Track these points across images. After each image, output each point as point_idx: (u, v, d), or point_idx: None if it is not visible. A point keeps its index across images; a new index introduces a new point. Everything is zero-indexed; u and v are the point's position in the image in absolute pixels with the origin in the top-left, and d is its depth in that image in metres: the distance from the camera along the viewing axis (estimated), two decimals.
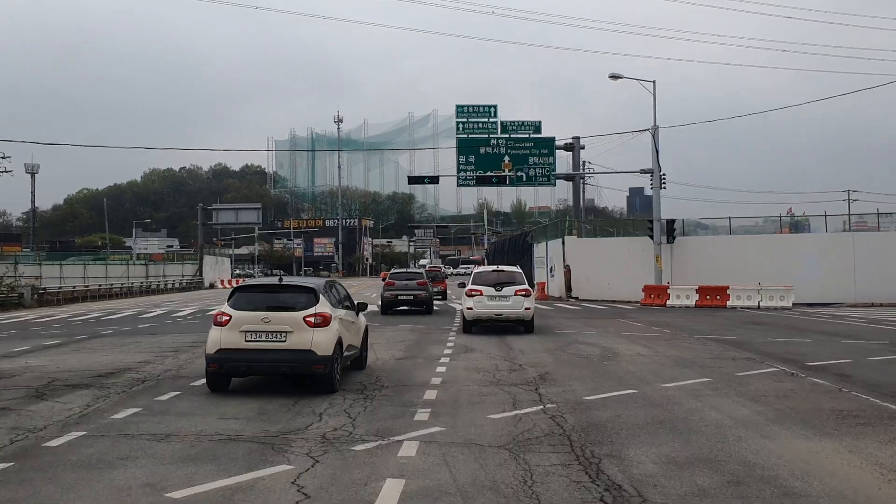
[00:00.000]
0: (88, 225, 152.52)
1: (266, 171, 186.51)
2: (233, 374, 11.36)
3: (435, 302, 32.65)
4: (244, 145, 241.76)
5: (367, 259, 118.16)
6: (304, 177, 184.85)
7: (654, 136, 36.17)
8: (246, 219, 68.15)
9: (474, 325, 21.18)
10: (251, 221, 68.82)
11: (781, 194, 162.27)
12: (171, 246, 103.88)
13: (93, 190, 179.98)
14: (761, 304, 32.61)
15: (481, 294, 20.71)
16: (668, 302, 34.09)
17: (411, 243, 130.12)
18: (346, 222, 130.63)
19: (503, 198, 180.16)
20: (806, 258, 34.99)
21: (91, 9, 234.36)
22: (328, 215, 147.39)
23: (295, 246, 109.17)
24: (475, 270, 23.87)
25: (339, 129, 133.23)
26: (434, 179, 37.82)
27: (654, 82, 36.04)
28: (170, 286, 64.90)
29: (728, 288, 33.38)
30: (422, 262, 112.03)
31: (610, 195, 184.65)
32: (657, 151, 36.18)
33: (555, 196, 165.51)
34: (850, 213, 51.29)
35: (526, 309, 20.68)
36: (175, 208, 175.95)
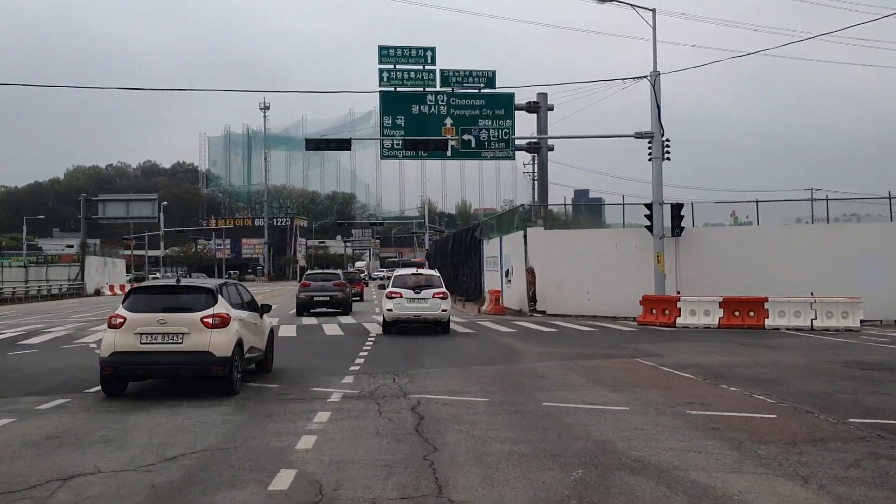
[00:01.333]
0: (4, 225, 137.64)
1: (199, 168, 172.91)
2: (128, 378, 10.78)
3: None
4: (176, 143, 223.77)
5: (297, 261, 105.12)
6: (240, 175, 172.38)
7: (653, 86, 25.10)
8: (139, 212, 55.15)
9: (394, 326, 21.06)
10: (144, 215, 55.93)
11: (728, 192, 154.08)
12: (72, 246, 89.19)
13: (10, 188, 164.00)
14: (815, 323, 21.82)
15: (401, 296, 20.87)
16: (679, 320, 23.03)
17: (347, 244, 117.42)
18: (277, 221, 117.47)
19: (448, 198, 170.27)
20: (863, 257, 24.30)
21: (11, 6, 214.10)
22: (262, 215, 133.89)
23: (216, 248, 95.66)
24: (395, 273, 23.54)
25: (265, 114, 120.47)
26: (344, 143, 26.01)
27: (653, 11, 25.00)
28: (46, 293, 51.92)
29: (766, 301, 22.46)
30: (358, 263, 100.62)
31: (554, 196, 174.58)
32: (658, 107, 25.09)
33: (500, 196, 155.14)
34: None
35: (443, 311, 20.90)
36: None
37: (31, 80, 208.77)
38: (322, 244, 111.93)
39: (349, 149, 25.41)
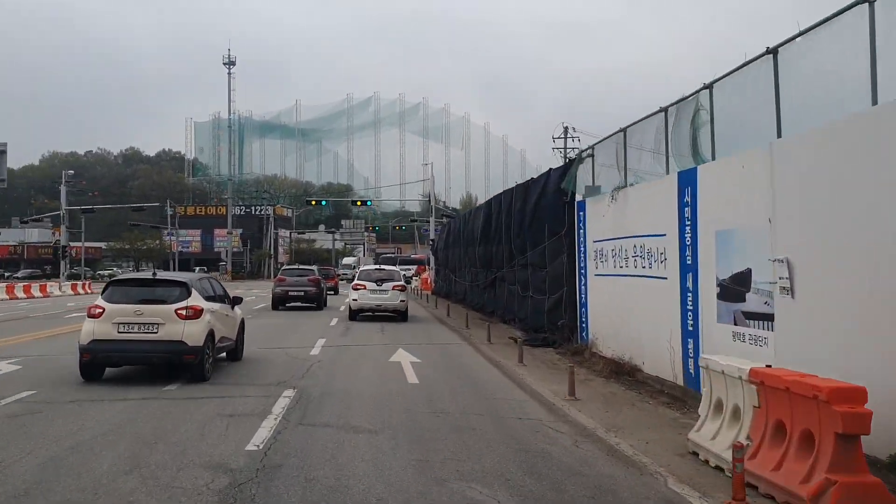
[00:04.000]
0: None
1: (185, 157, 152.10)
2: (105, 364, 11.22)
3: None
4: (164, 132, 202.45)
5: (272, 256, 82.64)
6: (229, 164, 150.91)
7: None
8: None
9: (359, 314, 23.19)
10: None
11: None
12: None
13: None
14: None
15: (365, 288, 22.98)
16: None
17: (333, 236, 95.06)
18: (255, 210, 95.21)
19: (452, 192, 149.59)
20: None
21: None
22: (247, 204, 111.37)
23: (169, 237, 73.62)
24: (361, 268, 26.51)
25: (230, 71, 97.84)
26: None
27: None
28: None
29: None
30: (347, 259, 79.27)
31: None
32: None
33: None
34: None
35: (401, 301, 23.11)
36: (75, 197, 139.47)
37: (14, 66, 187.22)
38: (302, 234, 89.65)
39: None
